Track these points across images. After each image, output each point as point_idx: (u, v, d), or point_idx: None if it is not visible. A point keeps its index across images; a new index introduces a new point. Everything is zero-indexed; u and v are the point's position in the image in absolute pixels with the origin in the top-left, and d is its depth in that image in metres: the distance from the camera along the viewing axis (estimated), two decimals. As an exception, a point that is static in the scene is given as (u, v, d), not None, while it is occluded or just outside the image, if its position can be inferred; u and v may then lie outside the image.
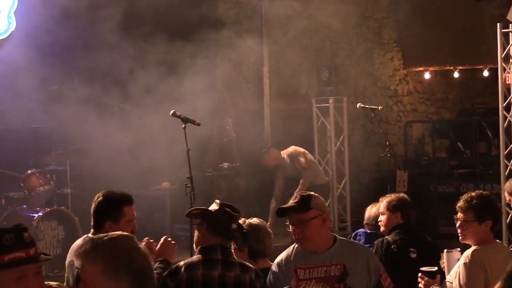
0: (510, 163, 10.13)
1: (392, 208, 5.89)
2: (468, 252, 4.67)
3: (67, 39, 10.14)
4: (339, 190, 12.26)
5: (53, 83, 9.71)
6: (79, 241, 4.84)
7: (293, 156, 10.69)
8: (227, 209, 4.43)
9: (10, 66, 9.65)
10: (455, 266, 4.72)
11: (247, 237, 4.56)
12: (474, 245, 4.74)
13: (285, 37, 12.81)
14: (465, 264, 4.62)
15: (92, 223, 4.80)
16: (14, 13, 9.99)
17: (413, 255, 5.69)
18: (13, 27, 9.99)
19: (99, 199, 4.75)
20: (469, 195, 4.81)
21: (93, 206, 4.77)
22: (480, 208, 4.71)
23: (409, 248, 5.72)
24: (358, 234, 6.20)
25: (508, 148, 10.15)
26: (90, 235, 4.80)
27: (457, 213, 4.84)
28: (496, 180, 11.51)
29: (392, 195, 6.03)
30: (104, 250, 2.65)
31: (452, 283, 4.68)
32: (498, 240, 4.93)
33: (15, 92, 9.56)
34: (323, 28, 13.48)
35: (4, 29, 9.96)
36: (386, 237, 5.80)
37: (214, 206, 4.46)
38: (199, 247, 4.35)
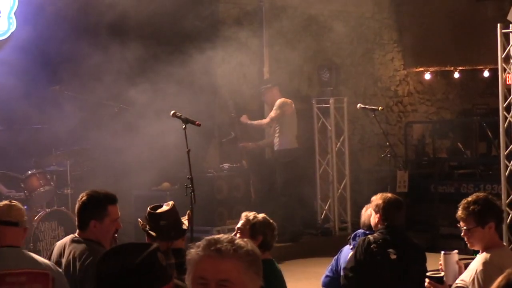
0: (511, 164, 10.13)
1: (375, 208, 5.92)
2: (485, 256, 4.58)
3: (67, 39, 10.14)
4: (339, 191, 12.26)
5: (54, 83, 9.71)
6: (63, 240, 4.86)
7: (276, 105, 11.27)
8: (154, 208, 4.45)
9: (10, 66, 9.65)
10: (469, 270, 4.61)
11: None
12: (484, 250, 4.63)
13: (286, 37, 12.81)
14: (483, 269, 4.51)
15: (76, 223, 4.81)
16: (14, 13, 9.99)
17: (393, 256, 5.67)
18: (13, 27, 9.99)
19: (83, 198, 4.77)
20: (465, 201, 4.68)
21: (77, 206, 4.80)
22: (479, 213, 4.59)
23: (390, 249, 5.71)
24: (358, 234, 6.21)
25: (509, 149, 10.15)
26: (76, 235, 4.80)
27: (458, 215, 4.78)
28: (496, 181, 11.51)
29: (379, 195, 6.03)
30: (245, 251, 2.64)
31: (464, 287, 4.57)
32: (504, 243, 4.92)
33: (15, 93, 9.56)
34: (324, 28, 13.48)
35: (4, 29, 9.96)
36: (369, 236, 5.81)
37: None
38: None
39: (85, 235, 4.72)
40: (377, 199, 5.95)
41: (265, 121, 11.34)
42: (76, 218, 4.83)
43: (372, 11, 14.80)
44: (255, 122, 11.35)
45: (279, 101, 11.28)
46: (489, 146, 14.95)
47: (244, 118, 11.37)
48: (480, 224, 4.59)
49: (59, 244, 4.86)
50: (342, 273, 6.02)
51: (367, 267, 5.68)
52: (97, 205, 4.73)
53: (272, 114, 11.25)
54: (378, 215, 5.87)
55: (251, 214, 5.14)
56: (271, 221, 5.18)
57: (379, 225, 5.87)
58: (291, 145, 11.30)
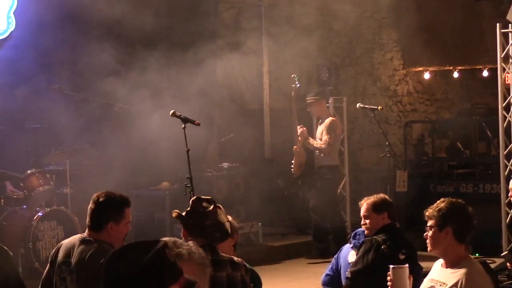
0: (510, 163, 10.13)
1: (377, 209, 5.89)
2: (467, 269, 4.29)
3: (66, 39, 10.14)
4: (338, 190, 12.25)
5: (53, 83, 9.72)
6: (70, 240, 4.84)
7: (329, 127, 10.77)
8: (201, 204, 4.40)
9: (9, 66, 9.65)
10: (447, 284, 4.34)
11: (227, 228, 4.50)
12: (444, 258, 4.38)
13: (285, 37, 12.82)
14: (478, 281, 4.28)
15: (89, 223, 4.76)
16: (13, 13, 9.99)
17: (402, 257, 5.60)
18: (12, 27, 9.99)
19: (100, 199, 4.72)
20: (438, 201, 4.48)
21: (93, 207, 4.73)
22: (440, 212, 4.36)
23: (399, 250, 5.66)
24: (358, 233, 6.20)
25: (508, 148, 10.15)
26: (85, 234, 4.78)
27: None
28: (495, 180, 11.51)
29: (373, 196, 6.01)
30: (198, 255, 2.84)
31: None
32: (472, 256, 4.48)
33: (14, 92, 9.56)
34: (323, 28, 13.48)
35: (3, 29, 9.97)
36: (375, 237, 5.78)
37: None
38: None
39: (98, 236, 4.69)
40: (375, 201, 5.92)
41: (323, 146, 10.71)
42: (88, 219, 4.76)
43: (371, 11, 14.81)
44: (314, 143, 10.78)
45: (330, 122, 10.79)
46: (488, 146, 14.94)
47: (304, 133, 10.79)
48: (438, 225, 4.37)
49: (65, 244, 4.81)
50: (345, 274, 5.96)
51: (377, 269, 5.64)
52: (116, 207, 4.71)
53: (328, 139, 10.70)
54: (385, 213, 5.85)
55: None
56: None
57: (380, 226, 5.85)
58: (334, 161, 10.99)
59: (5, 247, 5.19)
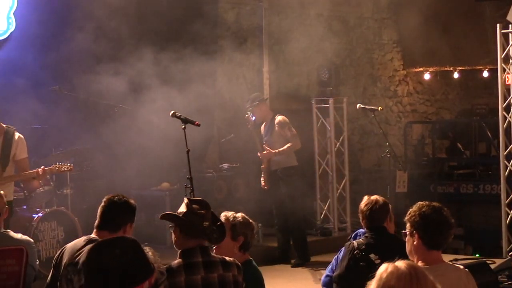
0: (510, 164, 10.14)
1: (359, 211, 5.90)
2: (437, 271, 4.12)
3: (66, 39, 10.14)
4: (339, 191, 12.25)
5: (53, 83, 9.72)
6: (76, 242, 4.83)
7: (284, 124, 10.33)
8: (195, 206, 4.38)
9: (9, 66, 9.65)
10: None
11: (224, 229, 4.49)
12: (416, 262, 4.20)
13: (285, 37, 12.82)
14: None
15: (103, 223, 4.73)
16: (13, 13, 10.00)
17: (377, 261, 5.44)
18: (12, 27, 10.00)
19: (122, 201, 4.74)
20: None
21: (109, 207, 4.72)
22: (409, 217, 4.26)
23: (377, 253, 5.50)
24: (358, 234, 6.20)
25: (508, 149, 10.16)
26: (93, 235, 4.77)
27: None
28: (495, 181, 11.53)
29: (366, 197, 5.99)
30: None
31: None
32: (450, 262, 4.35)
33: (15, 93, 9.56)
34: (323, 28, 13.49)
35: (3, 29, 9.97)
36: (353, 241, 5.74)
37: (182, 208, 4.41)
38: (179, 251, 4.31)
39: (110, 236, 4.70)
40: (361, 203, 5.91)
41: (293, 141, 10.23)
42: (101, 219, 4.73)
43: (371, 11, 14.81)
44: (282, 149, 10.22)
45: (283, 120, 10.33)
46: (488, 146, 14.97)
47: (268, 154, 10.23)
48: (409, 230, 4.27)
49: (70, 247, 4.73)
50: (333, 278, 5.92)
51: (353, 274, 5.58)
52: (134, 210, 4.78)
53: (291, 133, 10.26)
54: (361, 218, 5.84)
55: (230, 214, 4.92)
56: (250, 220, 5.01)
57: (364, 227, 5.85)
58: (294, 162, 10.49)
59: (31, 240, 5.73)
